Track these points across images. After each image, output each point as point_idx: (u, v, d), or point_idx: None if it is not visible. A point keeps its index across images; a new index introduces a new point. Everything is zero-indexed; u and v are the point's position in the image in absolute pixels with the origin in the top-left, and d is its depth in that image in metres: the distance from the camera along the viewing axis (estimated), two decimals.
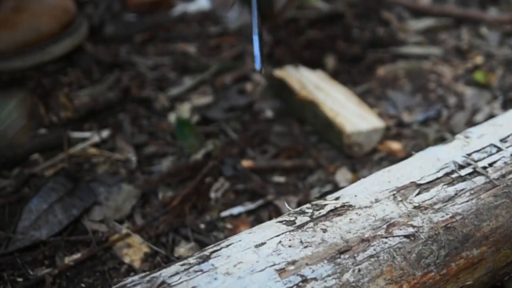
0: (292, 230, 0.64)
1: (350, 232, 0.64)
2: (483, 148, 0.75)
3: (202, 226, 0.90)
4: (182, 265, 0.60)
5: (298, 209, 0.68)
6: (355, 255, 0.62)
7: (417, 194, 0.69)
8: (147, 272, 0.61)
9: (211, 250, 0.62)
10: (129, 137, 1.03)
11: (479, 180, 0.71)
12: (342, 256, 0.62)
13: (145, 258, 0.85)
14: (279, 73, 1.10)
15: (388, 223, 0.65)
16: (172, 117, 1.08)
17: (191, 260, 0.61)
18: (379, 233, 0.64)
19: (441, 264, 0.64)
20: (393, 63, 1.20)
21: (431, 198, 0.69)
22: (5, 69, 1.12)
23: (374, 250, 0.63)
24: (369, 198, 0.68)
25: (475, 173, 0.71)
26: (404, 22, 1.31)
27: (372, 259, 0.62)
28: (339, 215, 0.66)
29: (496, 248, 0.68)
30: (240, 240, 0.63)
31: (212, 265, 0.60)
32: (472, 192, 0.69)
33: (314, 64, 1.18)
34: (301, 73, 1.11)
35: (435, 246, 0.64)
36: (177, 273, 0.59)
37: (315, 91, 1.06)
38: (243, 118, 1.08)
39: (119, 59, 1.19)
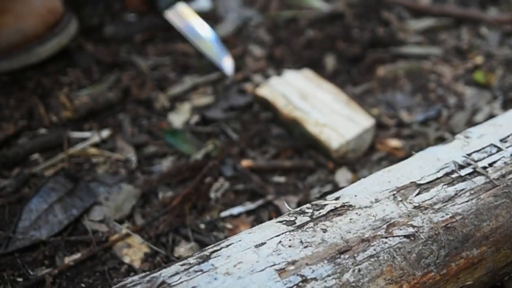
0: (292, 230, 0.64)
1: (350, 232, 0.64)
2: (483, 148, 0.75)
3: (202, 226, 0.90)
4: (182, 265, 0.60)
5: (298, 209, 0.68)
6: (355, 255, 0.62)
7: (417, 194, 0.69)
8: (147, 272, 0.61)
9: (211, 250, 0.62)
10: (129, 137, 1.03)
11: (479, 180, 0.71)
12: (342, 256, 0.62)
13: (145, 258, 0.85)
14: (261, 91, 1.07)
15: (388, 223, 0.65)
16: (172, 117, 1.08)
17: (191, 260, 0.61)
18: (379, 233, 0.64)
19: (441, 264, 0.64)
20: (393, 63, 1.20)
21: (431, 198, 0.69)
22: None
23: (374, 250, 0.63)
24: (369, 198, 0.68)
25: (475, 173, 0.71)
26: (404, 22, 1.31)
27: (372, 259, 0.62)
28: (339, 215, 0.66)
29: (496, 248, 0.68)
30: (240, 240, 0.63)
31: (212, 265, 0.60)
32: (472, 192, 0.69)
33: (314, 64, 1.18)
34: (286, 81, 1.07)
35: (435, 246, 0.64)
36: (177, 273, 0.59)
37: (300, 102, 1.03)
38: (243, 118, 1.08)
39: (119, 59, 1.19)
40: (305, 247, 0.62)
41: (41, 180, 0.94)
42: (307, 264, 0.61)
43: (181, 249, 0.86)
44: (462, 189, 0.70)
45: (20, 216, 0.88)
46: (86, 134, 1.03)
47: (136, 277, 0.60)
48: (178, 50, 1.23)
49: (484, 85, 1.15)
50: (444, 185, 0.70)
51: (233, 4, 1.35)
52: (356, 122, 1.00)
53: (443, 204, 0.68)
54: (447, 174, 0.71)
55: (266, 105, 1.07)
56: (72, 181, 0.92)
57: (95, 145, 1.02)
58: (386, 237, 0.64)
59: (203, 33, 1.20)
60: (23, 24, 1.11)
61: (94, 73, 1.16)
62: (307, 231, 0.64)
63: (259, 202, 0.93)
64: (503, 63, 1.20)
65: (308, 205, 0.69)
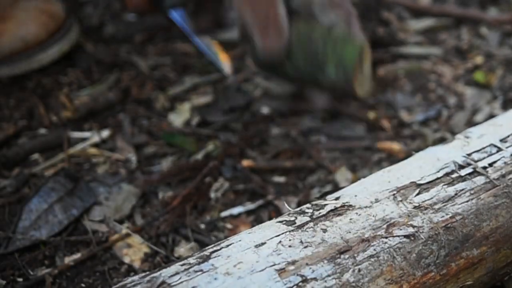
0: (292, 230, 0.64)
1: (350, 232, 0.64)
2: (483, 148, 0.75)
3: (202, 226, 0.90)
4: (182, 265, 0.60)
5: (298, 209, 0.68)
6: (355, 255, 0.62)
7: (417, 194, 0.69)
8: (147, 272, 0.61)
9: (211, 250, 0.62)
10: (129, 137, 1.03)
11: (479, 180, 0.71)
12: (342, 256, 0.62)
13: (145, 258, 0.85)
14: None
15: (388, 223, 0.65)
16: (172, 117, 1.08)
17: (191, 260, 0.61)
18: (379, 233, 0.64)
19: (441, 264, 0.64)
20: (393, 63, 1.20)
21: (431, 198, 0.69)
22: None
23: (374, 250, 0.63)
24: (369, 198, 0.68)
25: (475, 173, 0.71)
26: (404, 22, 1.31)
27: (372, 259, 0.62)
28: (339, 215, 0.66)
29: (496, 248, 0.68)
30: (240, 240, 0.63)
31: (212, 265, 0.60)
32: (472, 192, 0.69)
33: None
34: None
35: (435, 246, 0.64)
36: (177, 273, 0.59)
37: None
38: (243, 118, 1.08)
39: (119, 59, 1.19)
40: (305, 247, 0.62)
41: (41, 180, 0.94)
42: (307, 264, 0.61)
43: (181, 249, 0.86)
44: (462, 189, 0.70)
45: (20, 216, 0.88)
46: (86, 134, 1.03)
47: (136, 277, 0.60)
48: (178, 50, 1.23)
49: (484, 85, 1.15)
50: (444, 185, 0.70)
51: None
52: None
53: (443, 204, 0.68)
54: (447, 174, 0.71)
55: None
56: (72, 181, 0.92)
57: (95, 145, 1.02)
58: (386, 237, 0.64)
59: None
60: (25, 30, 1.11)
61: (94, 73, 1.16)
62: (307, 231, 0.64)
63: (259, 202, 0.93)
64: (503, 63, 1.20)
65: (308, 205, 0.69)
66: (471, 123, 1.05)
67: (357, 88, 0.98)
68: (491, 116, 1.06)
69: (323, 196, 0.75)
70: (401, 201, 0.68)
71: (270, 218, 0.89)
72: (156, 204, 0.92)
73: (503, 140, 0.76)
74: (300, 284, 0.59)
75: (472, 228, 0.67)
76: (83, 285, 0.81)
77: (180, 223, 0.89)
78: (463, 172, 0.71)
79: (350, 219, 0.66)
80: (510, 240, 0.69)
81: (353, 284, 0.60)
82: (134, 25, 1.27)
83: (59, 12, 1.15)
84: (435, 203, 0.68)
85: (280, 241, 0.62)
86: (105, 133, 1.03)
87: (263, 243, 0.62)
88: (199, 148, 1.01)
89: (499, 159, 0.73)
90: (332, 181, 0.97)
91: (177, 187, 0.95)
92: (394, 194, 0.69)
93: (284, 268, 0.60)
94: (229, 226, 0.90)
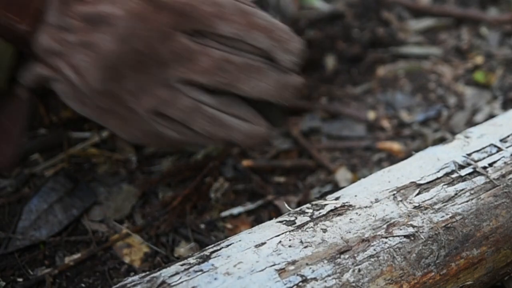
0: (292, 230, 0.64)
1: (350, 232, 0.64)
2: (483, 148, 0.75)
3: (202, 226, 0.90)
4: (182, 265, 0.60)
5: (298, 209, 0.68)
6: (355, 255, 0.62)
7: (417, 194, 0.69)
8: (147, 272, 0.61)
9: (211, 250, 0.62)
10: None
11: (479, 180, 0.71)
12: (342, 256, 0.62)
13: (145, 258, 0.85)
14: None
15: (388, 223, 0.65)
16: None
17: (191, 260, 0.61)
18: (379, 233, 0.64)
19: (441, 264, 0.64)
20: (393, 63, 1.20)
21: (431, 198, 0.69)
22: None
23: (374, 250, 0.63)
24: (369, 198, 0.68)
25: (475, 173, 0.71)
26: (404, 22, 1.31)
27: (372, 259, 0.62)
28: (339, 215, 0.66)
29: (496, 248, 0.68)
30: (240, 240, 0.63)
31: (212, 265, 0.60)
32: (472, 192, 0.69)
33: (314, 64, 1.18)
34: None
35: (435, 246, 0.64)
36: (177, 273, 0.59)
37: None
38: None
39: None
40: (305, 247, 0.62)
41: (41, 180, 0.94)
42: (307, 264, 0.61)
43: (181, 249, 0.86)
44: (462, 189, 0.70)
45: (20, 216, 0.88)
46: (86, 134, 1.03)
47: (136, 277, 0.60)
48: None
49: (484, 85, 1.15)
50: (444, 185, 0.70)
51: None
52: None
53: (443, 204, 0.68)
54: (447, 174, 0.71)
55: None
56: (72, 181, 0.92)
57: (95, 145, 1.02)
58: (386, 237, 0.64)
59: None
60: None
61: None
62: (307, 231, 0.64)
63: (259, 202, 0.93)
64: (503, 63, 1.20)
65: (308, 205, 0.69)
66: (471, 123, 1.05)
67: None
68: (491, 116, 1.06)
69: (323, 196, 0.75)
70: (401, 201, 0.68)
71: (270, 218, 0.89)
72: (156, 204, 0.92)
73: (503, 140, 0.76)
74: (300, 284, 0.59)
75: (472, 228, 0.67)
76: (83, 285, 0.81)
77: (180, 223, 0.89)
78: (463, 172, 0.71)
79: (350, 219, 0.66)
80: (510, 240, 0.69)
81: (353, 284, 0.60)
82: None
83: None
84: (435, 203, 0.68)
85: (280, 241, 0.62)
86: (105, 133, 1.03)
87: (263, 243, 0.62)
88: (199, 148, 1.01)
89: (499, 159, 0.73)
90: (332, 181, 0.97)
91: (177, 187, 0.95)
92: (394, 194, 0.69)
93: (284, 268, 0.60)
94: (229, 226, 0.90)
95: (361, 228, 0.65)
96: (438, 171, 0.71)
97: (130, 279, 0.59)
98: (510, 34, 1.28)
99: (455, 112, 1.10)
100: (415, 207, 0.67)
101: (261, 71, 0.61)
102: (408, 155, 0.84)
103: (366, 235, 0.64)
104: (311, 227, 0.64)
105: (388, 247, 0.63)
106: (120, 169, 0.98)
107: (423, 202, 0.68)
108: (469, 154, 0.74)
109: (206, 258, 0.61)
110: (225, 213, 0.92)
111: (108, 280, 0.82)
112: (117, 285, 0.59)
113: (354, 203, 0.68)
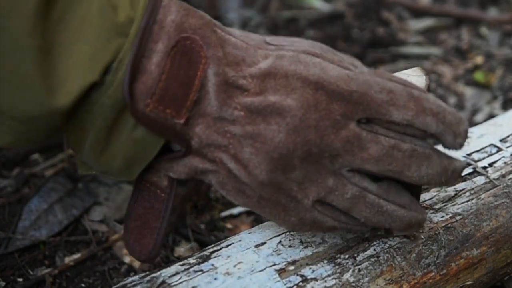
0: None
1: (350, 232, 0.64)
2: (483, 148, 0.75)
3: (202, 226, 0.90)
4: (182, 265, 0.60)
5: None
6: (355, 255, 0.62)
7: None
8: (147, 272, 0.61)
9: (211, 250, 0.62)
10: None
11: (479, 180, 0.71)
12: (342, 256, 0.62)
13: None
14: None
15: None
16: None
17: (191, 260, 0.61)
18: (379, 233, 0.64)
19: (441, 264, 0.64)
20: (393, 63, 1.20)
21: (431, 198, 0.69)
22: None
23: (374, 250, 0.63)
24: None
25: (475, 173, 0.72)
26: (404, 22, 1.31)
27: (372, 259, 0.62)
28: None
29: (496, 248, 0.68)
30: (240, 240, 0.63)
31: (212, 265, 0.60)
32: (472, 192, 0.69)
33: None
34: None
35: (435, 246, 0.64)
36: (177, 273, 0.59)
37: None
38: None
39: None
40: (305, 247, 0.62)
41: (41, 180, 0.94)
42: (307, 264, 0.61)
43: (181, 249, 0.86)
44: (462, 189, 0.70)
45: (20, 216, 0.88)
46: None
47: (136, 277, 0.60)
48: None
49: (484, 85, 1.15)
50: None
51: (233, 4, 1.35)
52: None
53: (443, 204, 0.68)
54: None
55: None
56: (72, 181, 0.92)
57: None
58: (386, 237, 0.64)
59: None
60: None
61: None
62: None
63: None
64: (503, 63, 1.20)
65: None
66: (471, 123, 1.05)
67: None
68: (491, 116, 1.06)
69: None
70: None
71: None
72: None
73: (503, 140, 0.76)
74: (300, 284, 0.59)
75: (472, 228, 0.67)
76: (83, 285, 0.81)
77: (180, 223, 0.89)
78: (463, 172, 0.71)
79: None
80: (510, 240, 0.69)
81: (353, 284, 0.60)
82: None
83: None
84: (435, 203, 0.68)
85: (280, 241, 0.62)
86: None
87: (263, 243, 0.62)
88: None
89: (499, 159, 0.73)
90: None
91: (176, 187, 0.95)
92: None
93: (284, 268, 0.60)
94: (229, 226, 0.90)
95: None
96: None
97: (130, 279, 0.59)
98: (510, 34, 1.28)
99: None
100: None
101: (429, 158, 0.58)
102: None
103: (366, 235, 0.64)
104: None
105: (388, 247, 0.63)
106: None
107: (423, 202, 0.68)
108: (469, 154, 0.74)
109: (206, 258, 0.61)
110: (225, 213, 0.92)
111: (108, 280, 0.82)
112: (117, 285, 0.59)
113: None
